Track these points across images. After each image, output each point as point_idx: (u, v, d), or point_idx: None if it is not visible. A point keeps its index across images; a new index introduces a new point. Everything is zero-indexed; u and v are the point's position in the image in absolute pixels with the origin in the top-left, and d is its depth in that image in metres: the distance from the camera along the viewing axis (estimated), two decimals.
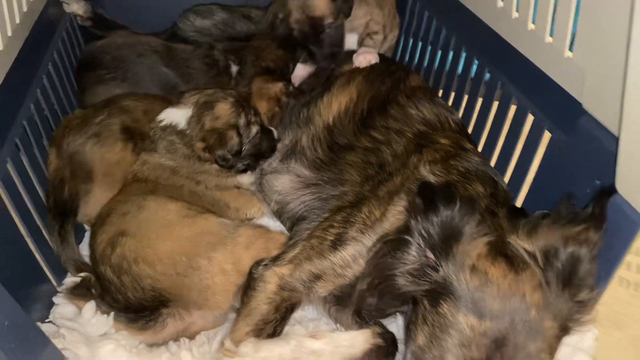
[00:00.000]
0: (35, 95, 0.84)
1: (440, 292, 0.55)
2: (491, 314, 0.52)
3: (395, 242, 0.61)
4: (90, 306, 0.65)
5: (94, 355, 0.58)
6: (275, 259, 0.73)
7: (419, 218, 0.58)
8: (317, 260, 0.71)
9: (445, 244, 0.56)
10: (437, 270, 0.56)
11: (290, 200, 0.87)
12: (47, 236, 0.77)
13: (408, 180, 0.74)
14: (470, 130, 0.95)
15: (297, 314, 0.72)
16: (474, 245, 0.56)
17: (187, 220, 0.76)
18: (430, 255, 0.57)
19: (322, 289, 0.70)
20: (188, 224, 0.75)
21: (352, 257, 0.69)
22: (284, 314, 0.67)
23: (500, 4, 0.85)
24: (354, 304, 0.66)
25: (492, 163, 0.87)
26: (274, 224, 0.88)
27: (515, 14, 0.81)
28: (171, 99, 0.91)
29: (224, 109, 0.86)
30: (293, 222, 0.85)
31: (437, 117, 0.89)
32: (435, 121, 0.88)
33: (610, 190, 0.57)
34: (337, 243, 0.71)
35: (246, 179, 0.90)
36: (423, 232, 0.57)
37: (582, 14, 0.63)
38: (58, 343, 0.59)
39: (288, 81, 1.01)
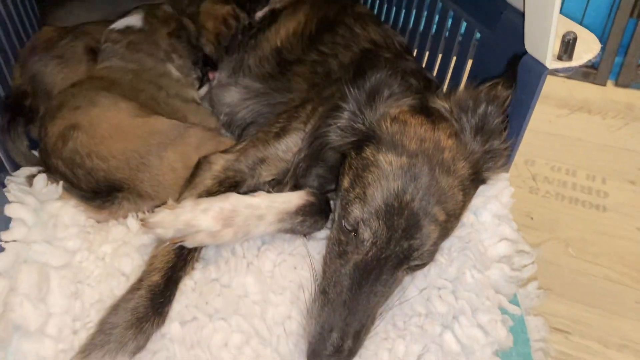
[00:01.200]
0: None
1: (364, 140, 0.60)
2: (408, 152, 0.57)
3: (331, 109, 0.65)
4: (41, 177, 0.68)
5: (43, 207, 0.62)
6: (224, 152, 0.77)
7: (351, 85, 0.63)
8: (262, 147, 0.75)
9: (371, 98, 0.61)
10: (363, 123, 0.60)
11: (239, 110, 0.91)
12: None
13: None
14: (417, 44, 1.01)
15: None
16: (397, 104, 0.61)
17: (139, 120, 0.79)
18: (358, 112, 0.61)
19: (266, 172, 0.74)
20: (139, 123, 0.78)
21: (294, 143, 0.74)
22: (227, 189, 0.70)
23: None
24: (292, 180, 0.70)
25: (437, 63, 0.92)
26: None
27: None
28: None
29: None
30: (242, 129, 0.89)
31: (383, 38, 0.94)
32: (381, 41, 0.93)
33: (520, 55, 0.63)
34: (281, 133, 0.76)
35: (202, 91, 0.94)
36: (354, 94, 0.62)
37: None
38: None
39: (239, 7, 1.06)
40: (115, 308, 0.55)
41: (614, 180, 1.05)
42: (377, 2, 1.17)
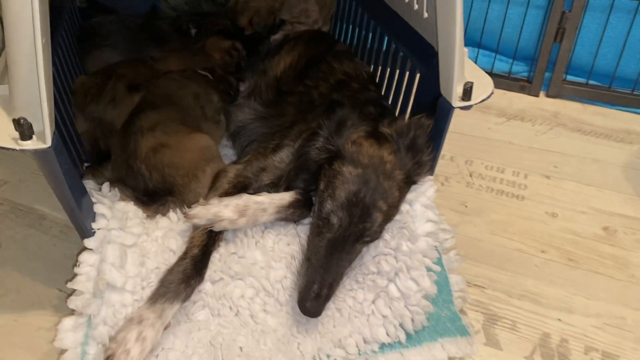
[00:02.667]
0: (55, 61, 1.14)
1: (334, 157, 0.88)
2: (362, 165, 0.85)
3: (311, 135, 0.93)
4: (105, 185, 0.94)
5: (114, 206, 0.89)
6: (235, 163, 1.05)
7: (324, 118, 0.91)
8: (263, 159, 1.02)
9: (338, 128, 0.89)
10: (333, 145, 0.89)
11: (247, 128, 1.18)
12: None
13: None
14: (378, 78, 1.29)
15: None
16: (356, 131, 0.89)
17: (197, 136, 1.04)
18: (330, 137, 0.89)
19: (266, 177, 1.01)
20: (201, 141, 1.03)
21: (286, 156, 1.01)
22: (239, 190, 0.98)
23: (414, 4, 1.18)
24: (285, 183, 0.98)
25: (391, 95, 1.20)
26: None
27: (415, 6, 1.13)
28: (149, 56, 1.22)
29: None
30: (247, 144, 1.16)
31: (354, 70, 1.22)
32: (352, 73, 1.21)
33: (439, 96, 0.91)
34: (276, 149, 1.03)
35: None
36: (326, 124, 0.90)
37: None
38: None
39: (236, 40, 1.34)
40: (170, 271, 0.83)
41: (534, 175, 1.33)
42: (352, 41, 1.46)
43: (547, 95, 1.67)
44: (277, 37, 1.35)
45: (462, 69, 0.85)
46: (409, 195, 0.90)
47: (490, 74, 1.56)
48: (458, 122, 1.41)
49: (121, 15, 1.37)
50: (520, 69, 1.68)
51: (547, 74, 1.65)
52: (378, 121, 0.97)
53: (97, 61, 1.26)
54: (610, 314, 0.98)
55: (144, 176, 0.94)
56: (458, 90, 0.85)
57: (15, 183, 1.25)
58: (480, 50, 1.69)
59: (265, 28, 1.34)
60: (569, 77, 1.64)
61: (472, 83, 0.85)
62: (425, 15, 1.01)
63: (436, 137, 0.90)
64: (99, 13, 1.38)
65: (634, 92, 1.58)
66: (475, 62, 1.40)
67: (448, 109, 0.86)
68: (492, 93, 0.91)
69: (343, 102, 1.00)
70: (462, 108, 0.87)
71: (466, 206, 1.22)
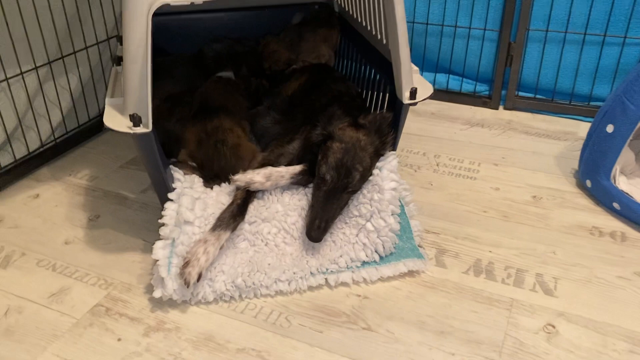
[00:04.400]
0: None
1: (327, 138, 1.32)
2: (344, 142, 1.28)
3: (312, 127, 1.39)
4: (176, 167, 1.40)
5: (185, 177, 1.35)
6: (263, 151, 1.51)
7: (321, 116, 1.37)
8: (281, 148, 1.47)
9: (329, 120, 1.34)
10: (326, 131, 1.34)
11: (269, 130, 1.64)
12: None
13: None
14: (366, 97, 1.75)
15: None
16: (341, 121, 1.35)
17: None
18: (324, 126, 1.35)
19: (283, 161, 1.45)
20: (252, 146, 1.50)
21: (297, 145, 1.46)
22: (269, 165, 1.42)
23: (379, 36, 1.66)
24: (296, 162, 1.43)
25: (373, 105, 1.66)
26: None
27: (378, 36, 1.61)
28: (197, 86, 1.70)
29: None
30: (269, 141, 1.62)
31: (346, 89, 1.68)
32: (344, 91, 1.67)
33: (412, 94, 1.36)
34: (290, 141, 1.48)
35: None
36: (322, 118, 1.36)
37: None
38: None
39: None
40: (224, 211, 1.26)
41: (485, 163, 1.76)
42: (346, 71, 1.94)
43: (505, 108, 2.11)
44: (292, 67, 1.83)
45: (409, 79, 1.31)
46: (378, 164, 1.34)
47: (459, 93, 2.03)
48: (431, 129, 1.88)
49: (177, 55, 1.86)
50: (482, 88, 2.13)
51: (503, 92, 2.09)
52: (357, 116, 1.42)
53: (161, 89, 1.74)
54: (526, 247, 1.39)
55: (227, 158, 1.38)
56: (406, 93, 1.30)
57: (103, 177, 1.72)
58: (450, 75, 2.15)
59: (281, 71, 1.82)
60: (520, 93, 2.08)
61: (416, 88, 1.31)
62: (384, 41, 1.48)
63: (395, 124, 1.35)
64: (160, 54, 1.87)
65: (571, 103, 2.02)
66: (447, 85, 1.89)
67: (401, 105, 1.32)
68: (431, 94, 1.35)
69: (335, 106, 1.46)
70: (410, 104, 1.32)
71: (432, 184, 1.65)
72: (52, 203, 1.56)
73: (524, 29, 1.90)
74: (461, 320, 1.15)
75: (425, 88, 1.33)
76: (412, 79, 1.32)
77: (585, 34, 1.85)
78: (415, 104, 1.29)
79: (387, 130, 1.33)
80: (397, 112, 1.32)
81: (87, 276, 1.28)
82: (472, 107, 2.11)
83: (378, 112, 1.34)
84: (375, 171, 1.32)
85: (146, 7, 1.08)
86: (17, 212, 1.52)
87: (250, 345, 1.10)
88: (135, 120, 1.16)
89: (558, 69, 1.94)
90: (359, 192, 1.31)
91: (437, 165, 1.73)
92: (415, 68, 1.40)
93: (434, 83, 2.12)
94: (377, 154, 1.32)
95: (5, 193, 1.61)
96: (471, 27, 1.99)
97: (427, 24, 2.02)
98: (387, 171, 1.31)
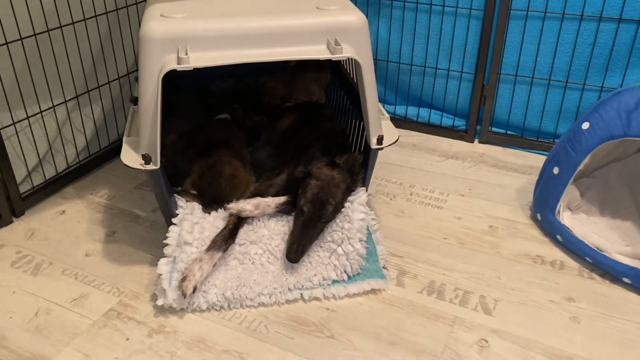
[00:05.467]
0: None
1: (307, 176, 1.57)
2: (321, 179, 1.52)
3: (296, 165, 1.63)
4: (179, 196, 1.66)
5: (186, 204, 1.60)
6: (255, 182, 1.76)
7: (304, 156, 1.62)
8: (270, 180, 1.71)
9: (309, 160, 1.59)
10: (306, 169, 1.58)
11: (263, 162, 1.89)
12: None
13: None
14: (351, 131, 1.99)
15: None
16: (319, 161, 1.58)
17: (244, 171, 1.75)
18: (305, 165, 1.59)
19: (272, 191, 1.69)
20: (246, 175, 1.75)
21: (284, 177, 1.71)
22: (259, 194, 1.67)
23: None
24: (282, 193, 1.67)
25: (355, 142, 1.90)
26: None
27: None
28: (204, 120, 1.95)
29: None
30: (263, 172, 1.87)
31: (332, 127, 1.92)
32: (331, 128, 1.91)
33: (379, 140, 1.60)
34: (279, 173, 1.72)
35: None
36: (304, 159, 1.61)
37: None
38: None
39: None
40: (218, 235, 1.49)
41: (454, 194, 1.99)
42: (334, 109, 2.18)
43: (479, 142, 2.34)
44: (285, 105, 2.08)
45: (377, 127, 1.54)
46: (350, 198, 1.57)
47: (439, 126, 2.27)
48: (410, 159, 2.11)
49: (187, 93, 2.12)
50: (460, 122, 2.36)
51: (478, 127, 2.32)
52: (335, 156, 1.67)
53: (177, 125, 1.98)
54: (475, 272, 1.61)
55: (223, 187, 1.61)
56: (373, 139, 1.54)
57: (119, 197, 1.98)
58: (432, 110, 2.38)
59: (277, 107, 2.07)
60: (493, 129, 2.30)
61: (382, 135, 1.55)
62: None
63: (365, 165, 1.59)
64: (174, 91, 2.13)
65: (539, 140, 2.24)
66: (429, 119, 2.13)
67: (369, 150, 1.56)
68: (397, 140, 1.59)
69: (317, 146, 1.71)
70: (377, 149, 1.56)
71: (403, 212, 1.89)
72: (75, 219, 1.82)
73: (495, 73, 2.13)
74: (410, 332, 1.39)
75: (391, 134, 1.57)
76: (381, 127, 1.56)
77: (549, 79, 2.07)
78: (381, 149, 1.53)
79: (358, 170, 1.57)
80: (367, 154, 1.56)
81: (103, 284, 1.54)
82: (450, 139, 2.33)
83: (351, 153, 1.58)
84: (347, 204, 1.56)
85: (157, 71, 1.33)
86: (46, 226, 1.79)
87: (234, 348, 1.34)
88: (146, 159, 1.42)
89: (526, 108, 2.16)
90: (332, 221, 1.55)
91: (411, 194, 1.96)
92: (386, 115, 1.64)
93: (417, 117, 2.36)
94: (349, 190, 1.56)
95: (37, 209, 1.87)
96: (450, 70, 2.22)
97: (411, 64, 2.26)
98: (357, 204, 1.56)
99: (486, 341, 1.36)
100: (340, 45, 1.37)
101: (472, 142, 2.30)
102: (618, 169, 1.89)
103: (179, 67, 1.30)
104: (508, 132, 2.24)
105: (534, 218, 1.81)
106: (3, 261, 1.63)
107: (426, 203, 1.91)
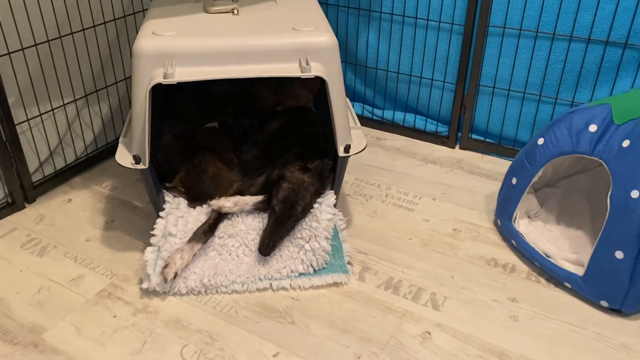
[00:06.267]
0: None
1: (280, 178, 1.74)
2: (292, 182, 1.69)
3: (273, 168, 1.81)
4: (165, 192, 1.85)
5: (173, 200, 1.79)
6: (238, 181, 1.94)
7: (279, 161, 1.80)
8: (252, 180, 1.88)
9: (284, 164, 1.76)
10: (281, 172, 1.76)
11: (249, 163, 2.07)
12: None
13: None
14: None
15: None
16: (293, 166, 1.75)
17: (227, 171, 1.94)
18: (280, 168, 1.77)
19: (253, 189, 1.87)
20: (232, 177, 1.94)
21: (264, 178, 1.89)
22: (237, 194, 1.86)
23: None
24: (260, 192, 1.85)
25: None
26: None
27: None
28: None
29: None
30: (247, 172, 2.05)
31: (315, 132, 2.09)
32: (313, 134, 2.08)
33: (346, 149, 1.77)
34: (260, 174, 1.89)
35: None
36: (279, 163, 1.78)
37: None
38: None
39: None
40: (199, 228, 1.66)
41: (425, 197, 2.14)
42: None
43: (460, 148, 2.48)
44: (273, 110, 2.26)
45: (344, 136, 1.70)
46: (319, 199, 1.74)
47: (424, 131, 2.41)
48: (392, 162, 2.26)
49: (187, 96, 2.31)
50: (442, 129, 2.50)
51: (459, 134, 2.46)
52: (317, 157, 1.83)
53: (173, 126, 2.16)
54: (432, 271, 1.77)
55: (207, 185, 1.78)
56: (341, 148, 1.71)
57: (121, 189, 2.18)
58: (417, 116, 2.53)
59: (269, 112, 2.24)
60: (473, 136, 2.44)
61: (349, 144, 1.71)
62: None
63: (335, 171, 1.76)
64: (176, 93, 2.31)
65: (515, 148, 2.37)
66: (414, 124, 2.28)
67: (338, 157, 1.73)
68: (364, 148, 1.75)
69: (294, 151, 1.88)
70: (345, 157, 1.72)
71: (376, 213, 2.05)
72: (80, 207, 2.04)
73: (474, 84, 2.26)
74: (362, 322, 1.56)
75: (360, 143, 1.73)
76: (350, 136, 1.72)
77: (524, 92, 2.20)
78: (349, 156, 1.70)
79: (327, 174, 1.73)
80: (337, 161, 1.73)
81: (98, 267, 1.75)
82: (433, 145, 2.48)
83: (321, 160, 1.75)
84: (315, 205, 1.73)
85: (146, 83, 1.52)
86: (54, 212, 2.00)
87: (205, 328, 1.53)
88: (136, 159, 1.61)
89: (503, 118, 2.29)
90: (302, 220, 1.72)
91: (386, 196, 2.12)
92: (358, 125, 1.80)
93: (403, 121, 2.50)
94: (318, 193, 1.73)
95: (47, 196, 2.09)
96: (433, 79, 2.36)
97: (398, 73, 2.41)
98: (325, 205, 1.73)
99: (429, 334, 1.52)
100: (309, 64, 1.53)
101: (454, 147, 2.44)
102: (582, 180, 2.02)
103: (165, 81, 1.48)
104: (487, 139, 2.37)
105: (495, 223, 1.96)
106: (14, 243, 1.85)
107: (399, 205, 2.07)
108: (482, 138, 2.38)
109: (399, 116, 2.52)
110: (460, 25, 2.20)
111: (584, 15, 1.97)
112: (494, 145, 2.35)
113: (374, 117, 2.58)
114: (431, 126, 2.46)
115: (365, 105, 2.61)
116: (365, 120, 2.60)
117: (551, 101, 2.16)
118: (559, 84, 2.12)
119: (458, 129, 2.39)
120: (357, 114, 2.32)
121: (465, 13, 2.17)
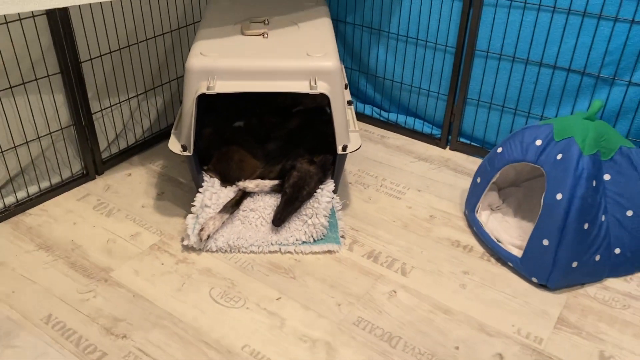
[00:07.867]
0: None
1: (291, 168, 2.23)
2: (301, 171, 2.17)
3: (287, 159, 2.31)
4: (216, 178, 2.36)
5: (209, 180, 2.30)
6: (261, 167, 2.44)
7: (292, 154, 2.29)
8: (272, 167, 2.39)
9: (295, 157, 2.25)
10: (293, 164, 2.25)
11: (274, 153, 2.56)
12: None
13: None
14: None
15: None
16: (302, 159, 2.24)
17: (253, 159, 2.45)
18: (292, 160, 2.26)
19: (272, 175, 2.37)
20: (255, 163, 2.44)
21: (280, 167, 2.39)
22: (259, 178, 2.36)
23: None
24: (278, 177, 2.35)
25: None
26: None
27: None
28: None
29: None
30: (270, 160, 2.55)
31: (327, 131, 2.57)
32: (326, 132, 2.56)
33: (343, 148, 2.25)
34: (277, 163, 2.39)
35: None
36: (291, 155, 2.28)
37: None
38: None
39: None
40: (227, 203, 2.16)
41: (412, 189, 2.59)
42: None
43: (450, 149, 2.92)
44: (296, 109, 2.75)
45: (343, 138, 2.18)
46: (321, 186, 2.23)
47: (421, 133, 2.87)
48: (390, 158, 2.72)
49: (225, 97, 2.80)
50: (436, 131, 2.94)
51: (449, 137, 2.90)
52: (315, 155, 2.31)
53: (210, 121, 2.67)
54: (406, 247, 2.23)
55: (233, 169, 2.25)
56: (339, 147, 2.19)
57: (170, 167, 2.71)
58: (416, 119, 2.98)
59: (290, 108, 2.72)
60: (461, 139, 2.88)
61: (347, 144, 2.19)
62: None
63: (335, 164, 2.25)
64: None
65: None
66: (413, 125, 2.74)
67: (338, 154, 2.21)
68: (359, 147, 2.22)
69: (307, 146, 2.36)
70: (342, 154, 2.21)
71: (370, 199, 2.52)
72: (137, 181, 2.58)
73: (462, 97, 2.70)
74: (346, 281, 2.05)
75: (355, 144, 2.20)
76: (348, 138, 2.20)
77: (503, 106, 2.63)
78: (346, 154, 2.18)
79: (328, 167, 2.22)
80: (336, 157, 2.21)
81: (151, 227, 2.29)
82: (427, 144, 2.91)
83: (325, 155, 2.24)
84: (318, 190, 2.22)
85: (193, 93, 2.02)
86: (118, 183, 2.55)
87: (229, 277, 2.05)
88: (184, 147, 2.13)
89: (486, 126, 2.72)
90: (306, 201, 2.22)
91: (381, 186, 2.59)
92: (357, 129, 2.26)
93: (404, 123, 2.95)
94: (320, 181, 2.21)
95: (112, 170, 2.64)
96: (430, 90, 2.80)
97: (401, 83, 2.86)
98: (326, 191, 2.21)
99: (395, 292, 2.00)
100: (316, 84, 2.01)
101: (444, 148, 2.88)
102: (540, 182, 2.45)
103: (207, 92, 1.99)
104: (472, 143, 2.81)
105: (464, 213, 2.41)
106: (89, 204, 2.40)
107: (390, 194, 2.54)
108: (468, 141, 2.81)
109: (401, 118, 2.97)
110: (452, 47, 2.63)
111: (551, 47, 2.38)
112: (478, 148, 2.78)
113: (381, 118, 3.04)
114: (427, 128, 2.90)
115: (374, 108, 3.07)
116: (373, 120, 3.06)
117: (525, 114, 2.58)
118: (531, 100, 2.54)
119: (449, 133, 2.82)
120: (367, 115, 2.81)
121: (457, 38, 2.60)
